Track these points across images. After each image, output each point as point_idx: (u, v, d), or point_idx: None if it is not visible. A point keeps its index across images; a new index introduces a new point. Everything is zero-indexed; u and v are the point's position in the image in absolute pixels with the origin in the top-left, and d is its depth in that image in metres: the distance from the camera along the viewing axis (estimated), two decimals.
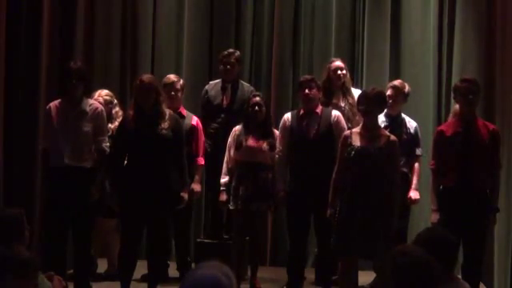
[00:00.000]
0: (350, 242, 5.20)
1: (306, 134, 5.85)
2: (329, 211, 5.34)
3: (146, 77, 5.55)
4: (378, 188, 5.20)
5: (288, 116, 6.00)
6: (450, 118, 5.98)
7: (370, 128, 5.34)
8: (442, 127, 5.66)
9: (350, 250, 5.26)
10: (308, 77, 6.06)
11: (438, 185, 5.50)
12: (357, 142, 5.29)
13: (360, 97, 5.47)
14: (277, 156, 5.92)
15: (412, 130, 6.14)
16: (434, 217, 5.44)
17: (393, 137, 5.40)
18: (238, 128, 6.01)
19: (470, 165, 5.34)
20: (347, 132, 5.45)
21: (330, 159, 5.49)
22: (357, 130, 5.41)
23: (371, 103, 5.29)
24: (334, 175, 5.36)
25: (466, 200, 5.31)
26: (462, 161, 5.36)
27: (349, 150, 5.27)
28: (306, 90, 5.87)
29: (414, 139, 6.12)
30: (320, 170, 5.57)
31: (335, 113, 5.93)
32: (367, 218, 5.17)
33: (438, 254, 3.27)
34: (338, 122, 5.83)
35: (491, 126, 5.58)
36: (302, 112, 5.94)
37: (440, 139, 5.50)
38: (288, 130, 5.91)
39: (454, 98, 5.66)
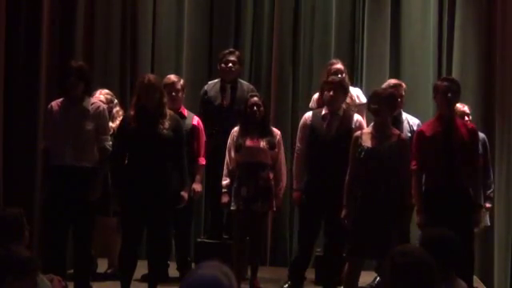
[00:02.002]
0: (364, 243, 5.21)
1: (326, 134, 5.84)
2: (343, 212, 5.34)
3: (153, 77, 5.57)
4: (390, 188, 5.20)
5: (309, 115, 6.00)
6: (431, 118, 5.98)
7: (381, 128, 5.34)
8: (422, 128, 5.65)
9: (364, 252, 5.26)
10: (336, 78, 6.02)
11: (421, 185, 5.50)
12: (367, 142, 5.29)
13: (372, 97, 5.46)
14: (296, 154, 5.93)
15: (415, 127, 6.15)
16: (419, 217, 5.43)
17: (403, 136, 5.41)
18: (235, 129, 6.00)
19: (451, 164, 5.34)
20: (358, 132, 5.45)
21: (347, 161, 5.47)
22: (368, 130, 5.41)
23: (383, 103, 5.30)
24: (347, 177, 5.36)
25: (449, 199, 5.31)
26: (444, 160, 5.36)
27: (359, 150, 5.27)
28: (331, 92, 5.85)
29: None
30: (336, 171, 5.55)
31: (357, 117, 5.92)
32: (380, 219, 5.17)
33: (440, 254, 3.28)
34: (359, 127, 5.80)
35: (470, 125, 5.61)
36: (324, 112, 5.93)
37: (420, 140, 5.49)
38: (308, 129, 5.91)
39: (434, 97, 5.67)
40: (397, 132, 5.45)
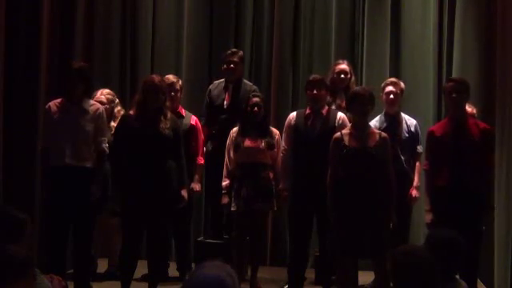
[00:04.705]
0: (351, 242, 5.21)
1: (310, 133, 5.84)
2: (333, 215, 5.33)
3: (159, 78, 5.57)
4: (376, 187, 5.21)
5: (293, 115, 6.01)
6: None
7: (362, 128, 5.35)
8: (433, 128, 5.66)
9: (351, 251, 5.26)
10: (317, 77, 6.03)
11: (432, 185, 5.50)
12: (351, 142, 5.29)
13: (351, 97, 5.46)
14: (281, 154, 5.93)
15: (412, 128, 6.17)
16: (428, 217, 5.43)
17: (384, 134, 5.42)
18: (234, 130, 6.01)
19: (461, 164, 5.35)
20: (338, 134, 5.42)
21: None
22: (346, 131, 5.40)
23: (365, 103, 5.31)
24: (328, 178, 5.35)
25: (459, 199, 5.31)
26: (454, 160, 5.36)
27: (345, 151, 5.27)
28: (315, 91, 5.86)
29: (414, 137, 6.14)
30: (322, 171, 5.56)
31: (341, 115, 5.92)
32: (366, 218, 5.17)
33: (445, 256, 3.29)
34: (343, 124, 5.81)
35: (482, 125, 5.59)
36: (307, 111, 5.93)
37: (431, 140, 5.51)
38: (292, 129, 5.91)
39: (444, 99, 5.68)
40: (376, 131, 5.45)
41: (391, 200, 5.28)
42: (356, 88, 5.86)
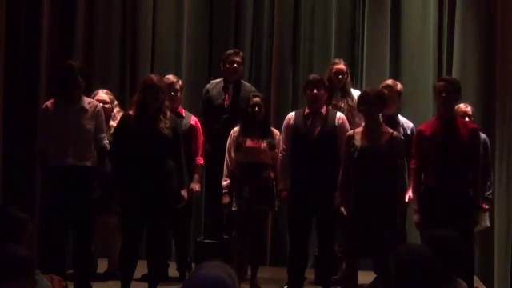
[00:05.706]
0: (361, 243, 5.22)
1: (310, 133, 5.84)
2: (343, 210, 5.34)
3: (158, 78, 5.56)
4: (383, 187, 5.21)
5: (292, 115, 6.01)
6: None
7: (373, 127, 5.36)
8: (422, 127, 5.65)
9: (361, 251, 5.27)
10: (317, 76, 6.02)
11: (420, 184, 5.50)
12: (360, 141, 5.31)
13: (361, 97, 5.49)
14: (280, 155, 5.93)
15: (409, 131, 6.14)
16: (417, 217, 5.42)
17: (395, 133, 5.45)
18: (235, 130, 6.00)
19: (450, 164, 5.34)
20: (350, 132, 5.47)
21: (333, 160, 5.49)
22: (359, 129, 5.44)
23: (372, 103, 5.32)
24: (340, 176, 5.37)
25: (447, 199, 5.30)
26: (442, 160, 5.36)
27: (352, 150, 5.29)
28: (315, 90, 5.86)
29: (410, 140, 6.13)
30: (322, 170, 5.56)
31: (340, 115, 5.92)
32: (373, 219, 5.19)
33: (443, 254, 3.29)
34: (343, 124, 5.82)
35: (471, 125, 5.59)
36: (306, 111, 5.93)
37: (420, 139, 5.51)
38: (291, 129, 5.90)
39: (434, 98, 5.69)
40: (389, 130, 5.46)
41: (398, 201, 5.29)
42: (366, 88, 5.86)
